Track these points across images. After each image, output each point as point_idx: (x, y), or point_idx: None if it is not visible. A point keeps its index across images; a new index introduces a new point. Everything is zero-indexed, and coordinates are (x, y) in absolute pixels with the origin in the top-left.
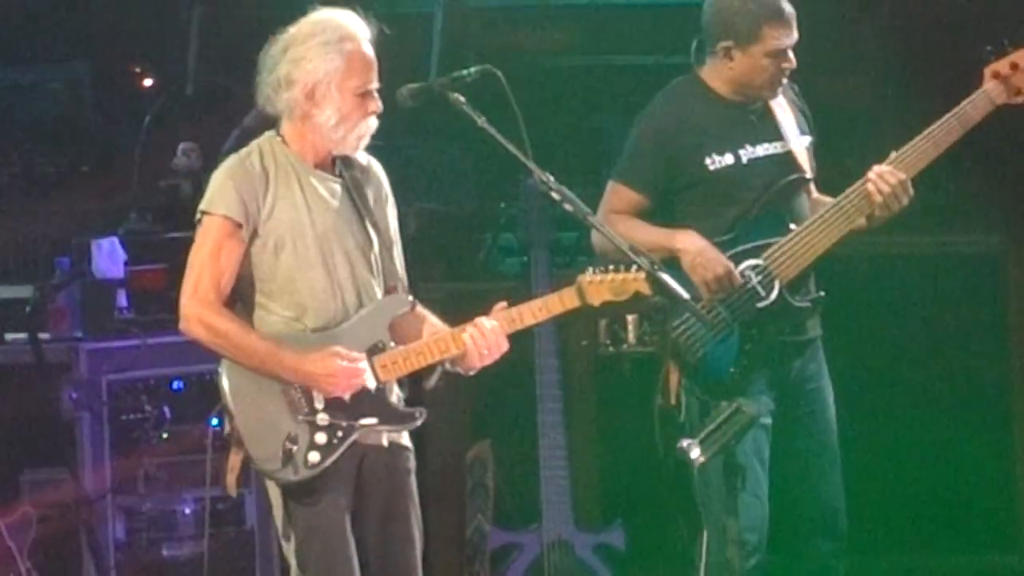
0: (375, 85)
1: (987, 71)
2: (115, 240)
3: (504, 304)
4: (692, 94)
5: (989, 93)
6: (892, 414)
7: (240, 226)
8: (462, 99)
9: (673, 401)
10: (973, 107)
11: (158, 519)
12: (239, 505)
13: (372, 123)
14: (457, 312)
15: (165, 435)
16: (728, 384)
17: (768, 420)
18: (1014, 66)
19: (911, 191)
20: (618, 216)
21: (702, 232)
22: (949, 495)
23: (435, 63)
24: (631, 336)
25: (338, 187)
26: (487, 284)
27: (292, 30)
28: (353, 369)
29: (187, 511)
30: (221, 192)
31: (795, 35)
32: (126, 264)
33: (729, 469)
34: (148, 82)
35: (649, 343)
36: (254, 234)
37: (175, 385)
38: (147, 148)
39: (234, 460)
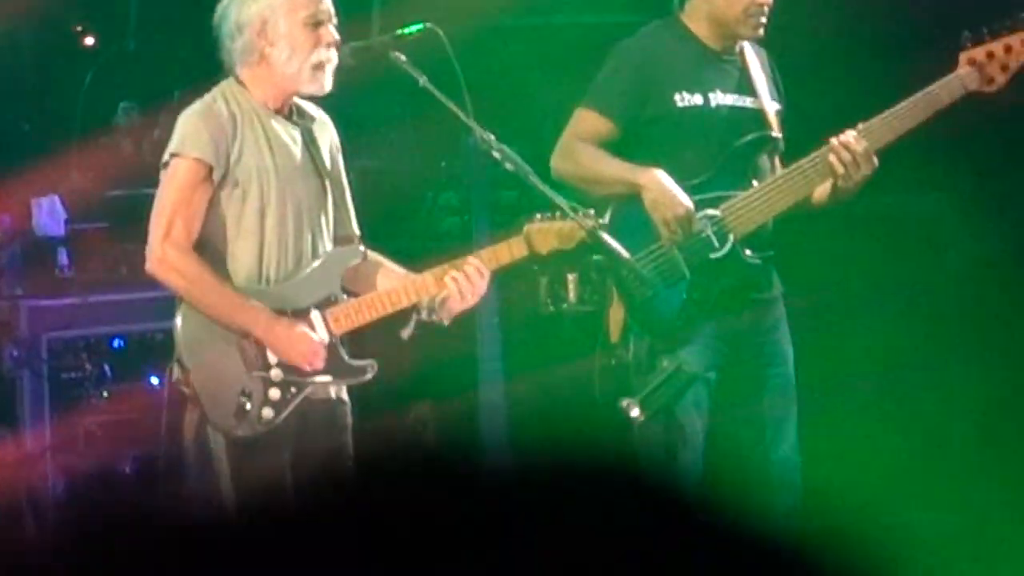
0: (326, 16)
1: (963, 56)
2: (55, 198)
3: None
4: (670, 33)
5: (962, 78)
6: (853, 372)
7: (211, 169)
8: (403, 58)
9: (616, 337)
10: (943, 89)
11: (99, 478)
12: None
13: (328, 54)
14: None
15: (106, 393)
16: (674, 329)
17: (712, 374)
18: (990, 55)
19: (874, 161)
20: (584, 144)
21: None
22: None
23: (376, 22)
24: (571, 295)
25: (297, 134)
26: (428, 243)
27: None
28: (315, 348)
29: (127, 469)
30: (192, 135)
31: None
32: (67, 222)
33: (669, 428)
34: (89, 40)
35: (589, 302)
36: (223, 179)
37: (116, 343)
38: (88, 106)
39: (190, 416)
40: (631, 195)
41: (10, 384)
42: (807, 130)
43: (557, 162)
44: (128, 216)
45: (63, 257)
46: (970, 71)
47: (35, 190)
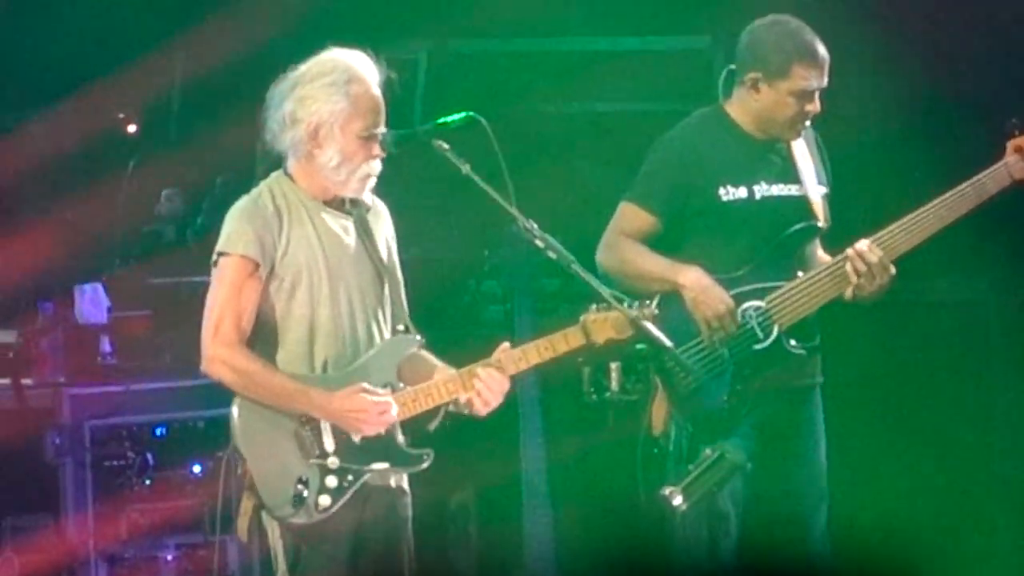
0: (382, 129)
1: (1010, 144)
2: (98, 286)
3: (507, 344)
4: (714, 124)
5: (1010, 167)
6: (886, 455)
7: (258, 265)
8: (446, 146)
9: (660, 430)
10: (991, 179)
11: (140, 565)
12: (221, 551)
13: (376, 166)
14: (440, 360)
15: (148, 481)
16: (716, 420)
17: (748, 465)
18: None
19: (891, 270)
20: (627, 240)
21: (709, 265)
22: (937, 533)
23: (419, 109)
24: (614, 384)
25: (350, 225)
26: (470, 331)
27: (302, 68)
28: (382, 404)
29: (169, 557)
30: (238, 232)
31: (825, 79)
32: (109, 310)
33: (713, 516)
34: (132, 128)
35: (632, 391)
36: (271, 273)
37: (158, 431)
38: (130, 194)
39: (246, 504)
40: (674, 292)
41: (53, 472)
42: (859, 209)
43: (602, 256)
44: (170, 303)
45: (105, 345)
46: (1017, 159)
47: (78, 277)
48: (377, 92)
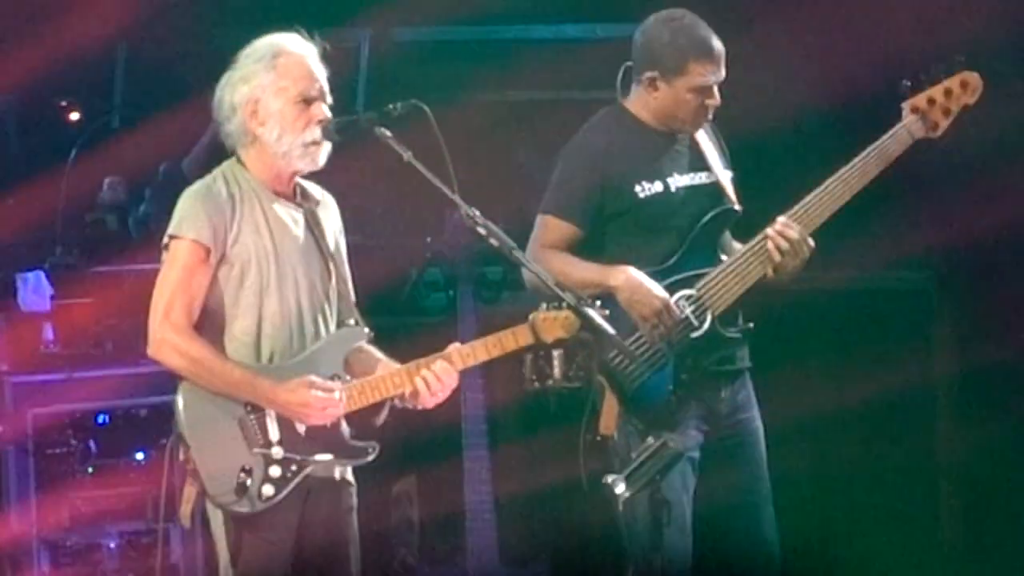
0: (318, 94)
1: (906, 105)
2: (40, 273)
3: (457, 344)
4: (618, 123)
5: (908, 127)
6: (823, 444)
7: (209, 251)
8: (388, 133)
9: (613, 430)
10: (893, 141)
11: (83, 553)
12: (165, 539)
13: (318, 132)
14: (383, 348)
15: (91, 469)
16: (664, 414)
17: (696, 453)
18: (931, 100)
19: (810, 243)
20: (550, 251)
21: (635, 262)
22: (878, 524)
23: (361, 97)
24: (556, 372)
25: (300, 216)
26: (412, 319)
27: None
28: (328, 399)
29: (112, 545)
30: (191, 216)
31: (722, 73)
32: (52, 298)
33: (655, 504)
34: (74, 116)
35: (574, 379)
36: (221, 259)
37: (100, 419)
38: (73, 181)
39: (189, 491)
40: (607, 295)
41: None
42: (766, 193)
43: (527, 273)
44: (113, 291)
45: (48, 332)
46: (915, 119)
47: (20, 265)
48: (309, 61)
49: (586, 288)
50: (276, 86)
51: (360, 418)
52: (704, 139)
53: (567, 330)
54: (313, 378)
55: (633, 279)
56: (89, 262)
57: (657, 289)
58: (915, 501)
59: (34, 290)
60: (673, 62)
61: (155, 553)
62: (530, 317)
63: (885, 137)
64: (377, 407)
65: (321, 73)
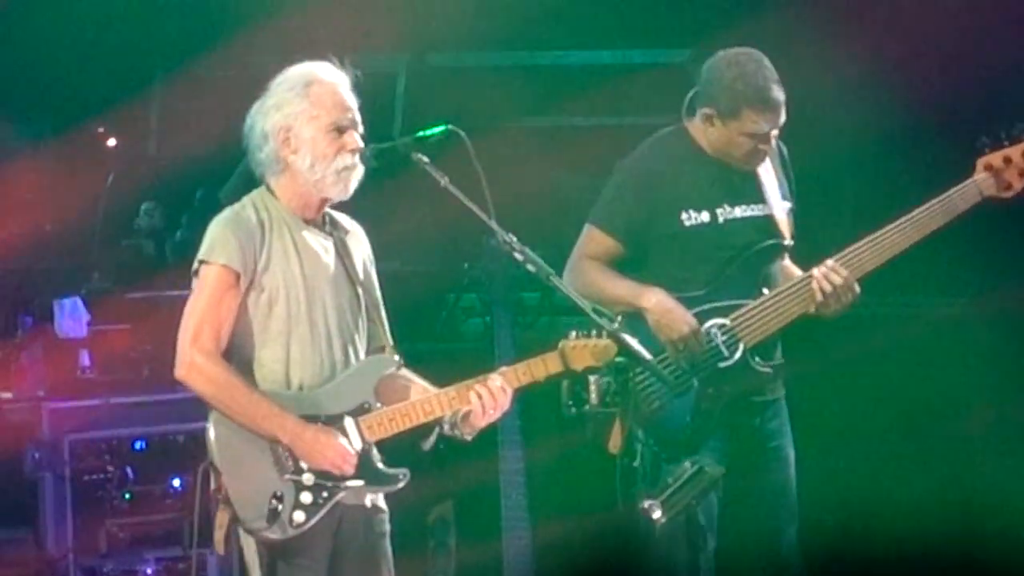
0: (350, 123)
1: (980, 162)
2: (77, 300)
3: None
4: (677, 146)
5: (980, 184)
6: (857, 469)
7: (239, 276)
8: (425, 159)
9: (618, 448)
10: (961, 196)
11: None
12: (200, 566)
13: (350, 160)
14: (419, 373)
15: (127, 495)
16: (682, 439)
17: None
18: (1007, 160)
19: (856, 290)
20: (590, 261)
21: (673, 286)
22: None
23: (398, 123)
24: (593, 397)
25: (330, 244)
26: (449, 345)
27: (269, 86)
28: (345, 453)
29: (148, 571)
30: (220, 242)
31: (780, 120)
32: (89, 324)
33: (692, 530)
34: (111, 142)
35: (612, 404)
36: (250, 285)
37: (137, 445)
38: (110, 207)
39: (221, 517)
40: (637, 314)
41: (32, 486)
42: (825, 223)
43: (567, 279)
44: (150, 317)
45: (85, 359)
46: (986, 176)
47: (58, 291)
48: (341, 90)
49: (617, 304)
50: (309, 114)
51: (399, 443)
52: (766, 167)
53: (597, 359)
54: (344, 440)
55: (665, 302)
56: (126, 288)
57: (687, 314)
58: (948, 530)
59: (71, 316)
60: (728, 105)
61: None
62: (560, 345)
63: (953, 191)
64: (426, 432)
65: (353, 102)
